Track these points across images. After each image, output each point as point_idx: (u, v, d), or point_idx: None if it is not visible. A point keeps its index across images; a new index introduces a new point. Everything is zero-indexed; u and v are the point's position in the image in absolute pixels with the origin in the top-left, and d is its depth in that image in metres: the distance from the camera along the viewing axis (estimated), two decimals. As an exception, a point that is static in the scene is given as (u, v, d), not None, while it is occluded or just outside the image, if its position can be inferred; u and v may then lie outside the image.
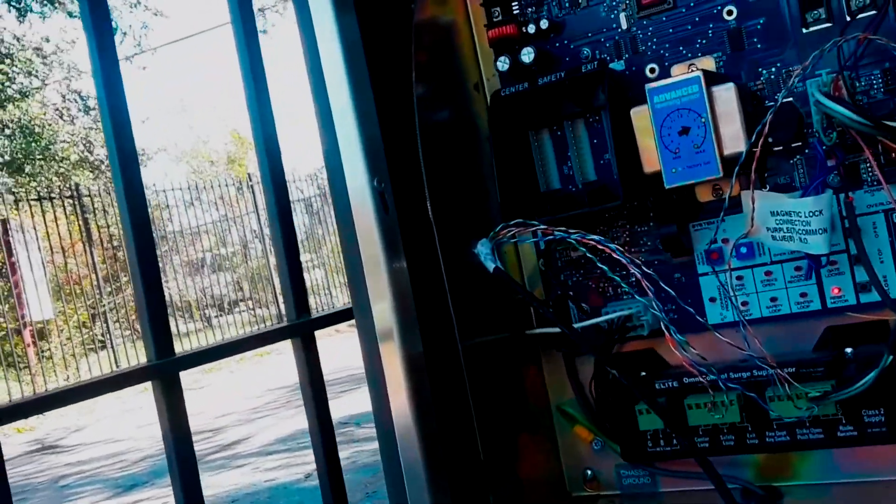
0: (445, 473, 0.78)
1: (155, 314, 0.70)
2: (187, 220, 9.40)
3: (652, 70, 0.80)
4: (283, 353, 8.19)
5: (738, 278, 0.79)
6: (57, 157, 10.50)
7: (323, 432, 0.85)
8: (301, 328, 0.85)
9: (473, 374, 0.82)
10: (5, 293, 7.77)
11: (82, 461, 4.99)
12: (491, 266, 0.78)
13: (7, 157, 10.26)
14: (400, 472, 0.78)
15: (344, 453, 3.73)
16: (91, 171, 11.07)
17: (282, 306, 9.59)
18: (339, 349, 7.67)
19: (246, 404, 5.77)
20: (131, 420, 6.28)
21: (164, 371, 0.70)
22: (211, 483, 3.71)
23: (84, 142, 11.13)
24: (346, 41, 0.77)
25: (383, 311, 0.78)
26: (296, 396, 5.52)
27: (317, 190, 10.49)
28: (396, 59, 0.81)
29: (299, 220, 10.53)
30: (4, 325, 7.50)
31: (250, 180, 9.72)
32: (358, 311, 0.81)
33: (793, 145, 0.75)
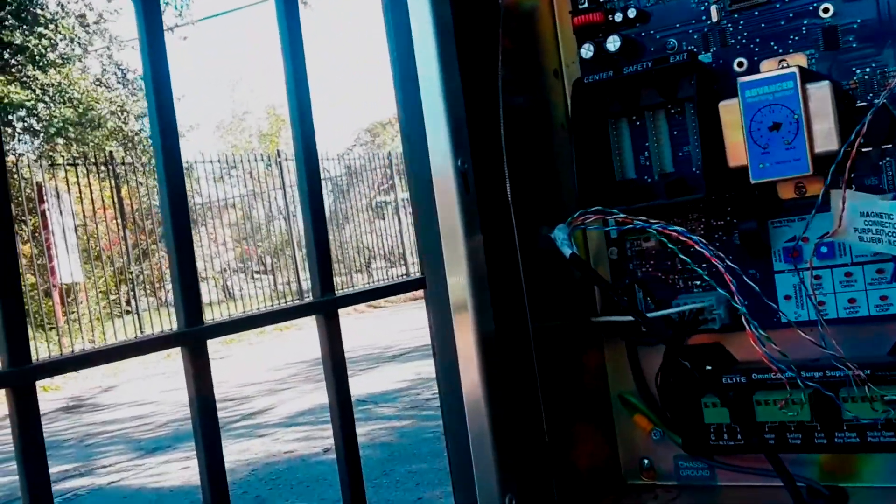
0: (513, 454, 0.78)
1: (186, 283, 0.71)
2: (215, 192, 9.46)
3: (740, 64, 0.80)
4: (303, 329, 8.25)
5: (817, 278, 0.78)
6: (93, 125, 10.56)
7: (342, 409, 0.85)
8: (325, 305, 0.84)
9: (540, 356, 0.82)
10: (37, 255, 7.86)
11: (107, 422, 5.06)
12: (567, 251, 0.78)
13: (45, 123, 10.35)
14: (467, 449, 0.79)
15: (362, 430, 3.77)
16: (124, 143, 11.16)
17: (303, 283, 9.64)
18: (358, 328, 7.71)
19: (267, 376, 5.81)
20: (156, 385, 6.35)
21: (193, 338, 0.72)
22: (233, 450, 3.75)
23: (120, 112, 11.21)
24: (438, 21, 0.77)
25: (458, 286, 0.78)
26: (316, 371, 5.57)
27: (344, 170, 10.52)
28: (484, 42, 0.81)
29: (325, 200, 10.56)
30: (36, 285, 7.59)
31: (279, 156, 9.76)
32: (431, 286, 0.82)
33: (883, 147, 0.75)
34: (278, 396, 5.03)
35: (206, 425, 0.74)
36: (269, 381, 5.59)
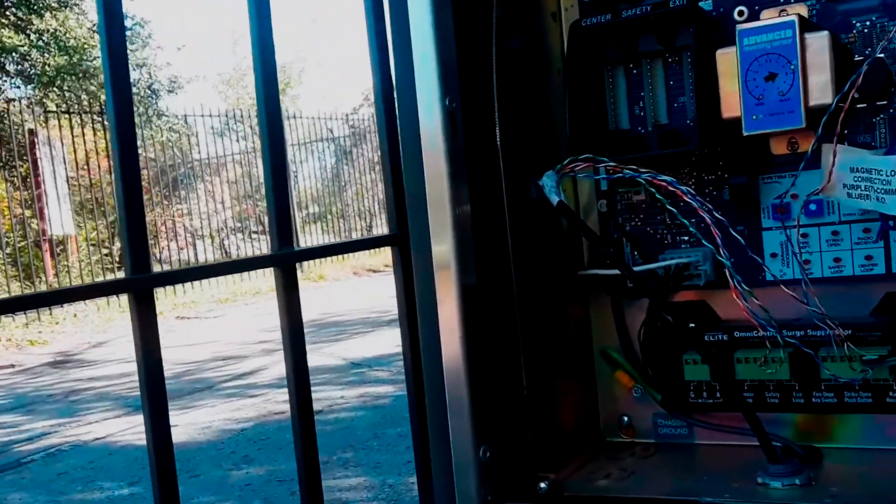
0: (489, 408, 0.78)
1: (134, 233, 0.72)
2: (214, 148, 9.42)
3: (741, 13, 0.78)
4: (302, 290, 8.26)
5: (804, 236, 0.77)
6: (88, 74, 10.44)
7: (297, 370, 0.87)
8: (283, 259, 0.86)
9: (523, 309, 0.81)
10: (28, 205, 7.82)
11: (94, 378, 5.06)
12: (555, 199, 0.77)
13: (39, 70, 10.24)
14: (443, 403, 0.78)
15: (355, 392, 3.77)
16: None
17: (303, 245, 9.65)
18: (356, 292, 7.71)
19: (260, 336, 5.82)
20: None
21: (139, 286, 0.73)
22: (223, 410, 3.76)
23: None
24: (431, -44, 0.75)
25: (442, 234, 0.77)
26: (310, 333, 5.57)
27: (348, 130, 10.46)
28: (479, -20, 0.79)
29: (325, 162, 10.52)
30: (25, 236, 7.56)
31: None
32: (415, 235, 0.80)
33: (878, 103, 0.73)
34: (272, 357, 5.04)
35: (152, 379, 0.75)
36: (263, 341, 5.60)
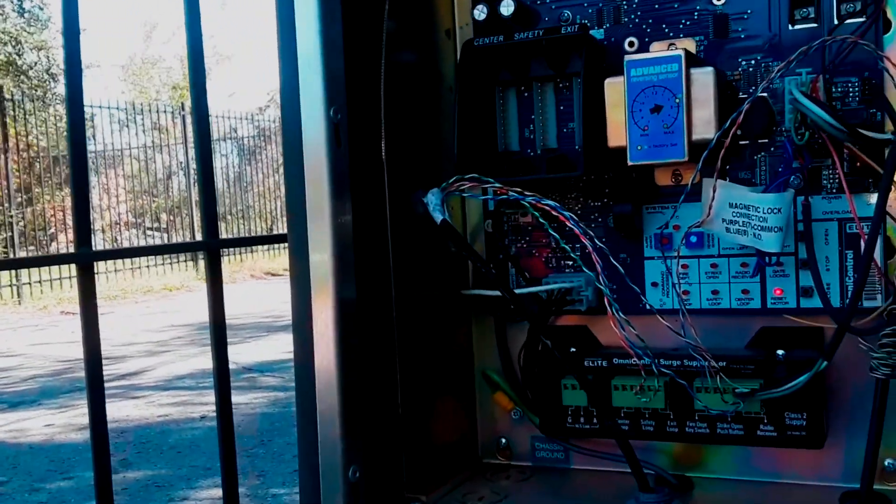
0: (361, 426, 0.75)
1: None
2: (112, 140, 9.11)
3: (631, 43, 0.78)
4: (193, 290, 8.05)
5: (684, 267, 0.78)
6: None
7: (219, 364, 0.89)
8: (209, 245, 0.96)
9: (403, 327, 0.79)
10: None
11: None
12: (439, 217, 0.75)
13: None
14: (314, 419, 0.76)
15: (244, 398, 3.69)
16: (15, 77, 10.58)
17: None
18: (256, 295, 7.57)
19: (148, 336, 5.64)
20: (26, 337, 6.09)
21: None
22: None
23: (14, 42, 10.62)
24: (322, -39, 0.73)
25: (321, 247, 0.75)
26: (199, 335, 5.43)
27: (254, 130, 10.28)
28: (372, -10, 0.77)
29: (229, 161, 10.32)
30: None
31: (183, 109, 9.48)
32: (293, 245, 0.77)
33: (759, 140, 0.74)
34: (159, 358, 4.89)
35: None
36: (151, 342, 5.43)
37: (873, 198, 0.71)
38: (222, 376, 0.97)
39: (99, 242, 9.21)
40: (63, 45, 0.87)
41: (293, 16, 0.74)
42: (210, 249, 0.97)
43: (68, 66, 0.86)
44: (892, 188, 0.66)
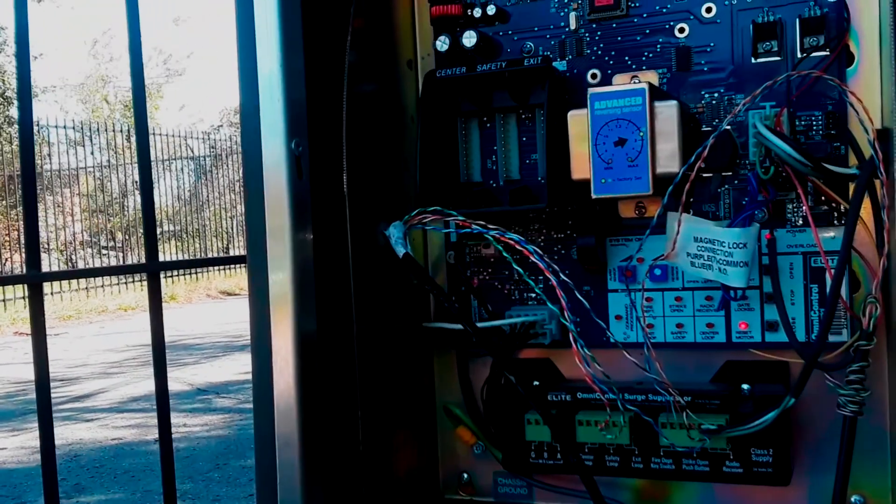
0: (321, 461, 0.73)
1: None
2: (67, 160, 8.98)
3: (594, 76, 0.78)
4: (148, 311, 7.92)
5: (648, 300, 0.77)
6: None
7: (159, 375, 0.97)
8: (150, 266, 1.01)
9: (363, 360, 0.78)
10: None
11: None
12: (401, 251, 0.74)
13: None
14: (272, 451, 0.73)
15: (199, 420, 3.62)
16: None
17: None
18: (216, 314, 7.46)
19: (103, 357, 5.53)
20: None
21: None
22: (56, 433, 3.52)
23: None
24: (283, -6, 0.71)
25: (281, 281, 0.73)
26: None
27: (209, 150, 10.19)
28: (334, 21, 0.76)
29: (184, 180, 10.23)
30: None
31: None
32: (253, 279, 0.75)
33: (723, 174, 0.74)
34: (112, 380, 4.79)
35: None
36: (105, 363, 5.33)
37: (837, 231, 0.71)
38: (163, 397, 1.04)
39: (54, 262, 9.05)
40: (16, 70, 0.90)
41: (254, 41, 0.72)
42: (150, 272, 1.02)
43: (20, 90, 0.89)
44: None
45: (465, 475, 0.88)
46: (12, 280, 0.90)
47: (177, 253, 10.04)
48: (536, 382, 0.81)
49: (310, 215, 0.74)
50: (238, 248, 10.41)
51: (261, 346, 0.75)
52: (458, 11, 0.81)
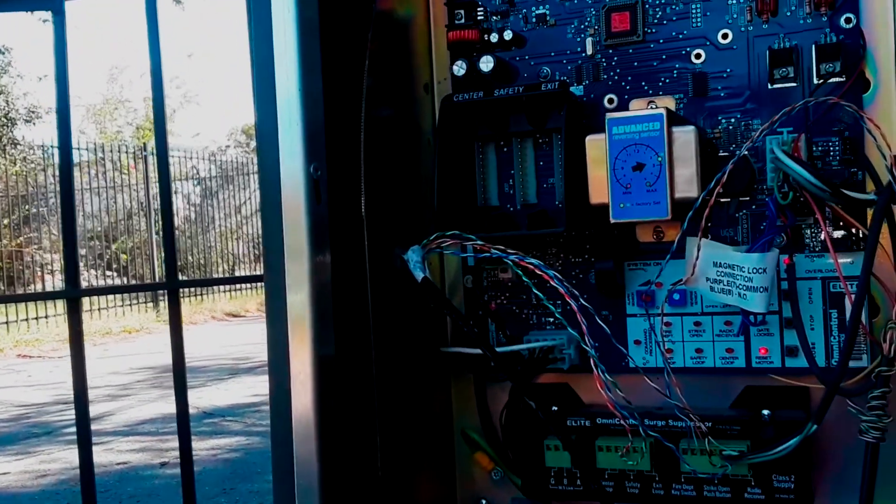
0: (340, 485, 0.73)
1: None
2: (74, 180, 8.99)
3: (610, 100, 0.78)
4: (153, 333, 7.91)
5: (667, 324, 0.77)
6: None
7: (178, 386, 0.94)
8: (170, 284, 1.05)
9: (382, 384, 0.77)
10: None
11: None
12: (420, 275, 0.74)
13: None
14: (291, 476, 0.73)
15: (206, 444, 3.61)
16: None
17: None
18: (220, 337, 7.45)
19: (109, 380, 5.52)
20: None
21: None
22: (61, 457, 3.52)
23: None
24: (302, 18, 0.72)
25: (299, 304, 0.73)
26: (161, 379, 5.32)
27: (217, 170, 10.22)
28: (351, 46, 0.76)
29: (189, 200, 10.25)
30: None
31: (145, 150, 9.40)
32: (271, 301, 0.75)
33: (741, 199, 0.74)
34: (117, 403, 4.78)
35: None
36: (112, 385, 5.31)
37: (855, 256, 0.71)
38: (183, 417, 1.09)
39: (58, 282, 9.05)
40: (55, 102, 1.02)
41: (273, 65, 0.73)
42: (170, 289, 1.06)
43: (59, 121, 1.01)
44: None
45: (483, 501, 0.87)
46: (52, 295, 0.93)
47: (183, 275, 10.04)
48: (555, 408, 0.81)
49: (328, 238, 0.74)
50: (242, 270, 10.42)
51: (278, 369, 0.75)
52: (475, 36, 0.82)
